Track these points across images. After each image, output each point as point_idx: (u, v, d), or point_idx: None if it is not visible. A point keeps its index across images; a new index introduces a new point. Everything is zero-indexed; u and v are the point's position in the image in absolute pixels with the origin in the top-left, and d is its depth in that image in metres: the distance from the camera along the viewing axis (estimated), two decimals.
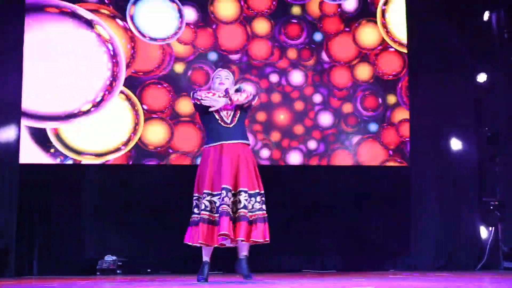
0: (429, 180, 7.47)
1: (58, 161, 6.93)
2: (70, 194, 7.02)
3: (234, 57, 7.39)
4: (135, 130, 7.09)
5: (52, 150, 6.92)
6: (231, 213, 4.83)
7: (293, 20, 7.52)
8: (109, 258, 6.75)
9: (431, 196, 7.43)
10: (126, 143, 7.06)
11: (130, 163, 7.08)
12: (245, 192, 4.90)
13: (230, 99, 4.98)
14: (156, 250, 7.02)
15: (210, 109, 4.98)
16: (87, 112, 7.01)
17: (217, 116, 5.03)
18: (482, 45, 7.66)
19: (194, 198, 5.03)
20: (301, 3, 7.53)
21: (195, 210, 5.00)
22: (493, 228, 7.42)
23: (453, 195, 7.46)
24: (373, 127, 7.46)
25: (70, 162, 6.94)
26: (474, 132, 7.60)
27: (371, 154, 7.45)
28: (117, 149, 7.04)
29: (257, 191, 4.97)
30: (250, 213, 4.90)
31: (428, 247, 7.34)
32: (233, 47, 7.40)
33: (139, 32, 7.19)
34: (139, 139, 7.08)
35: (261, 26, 7.45)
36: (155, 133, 7.15)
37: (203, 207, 4.90)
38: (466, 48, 7.63)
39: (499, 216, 7.36)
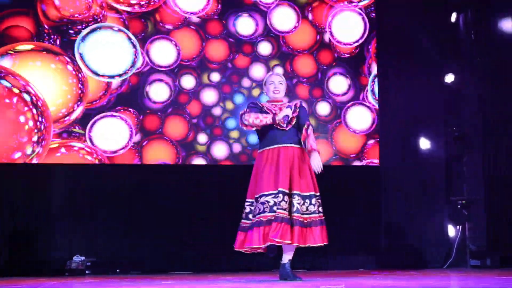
0: (398, 179, 7.53)
1: (34, 161, 6.83)
2: (38, 194, 6.92)
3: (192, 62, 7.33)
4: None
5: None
6: (288, 218, 4.85)
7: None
8: (77, 258, 6.68)
9: (400, 195, 7.50)
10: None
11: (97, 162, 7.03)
12: (298, 195, 4.93)
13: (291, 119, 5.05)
14: (125, 250, 6.97)
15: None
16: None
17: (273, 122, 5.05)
18: (450, 46, 7.74)
19: (247, 203, 5.05)
20: None
21: (250, 216, 5.00)
22: (461, 226, 7.51)
23: (422, 194, 7.54)
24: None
25: (35, 161, 6.85)
26: (442, 132, 7.69)
27: (348, 140, 7.50)
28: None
29: (312, 193, 4.99)
30: (305, 216, 4.92)
31: (397, 245, 7.40)
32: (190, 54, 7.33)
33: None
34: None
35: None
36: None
37: (257, 211, 4.89)
38: (434, 48, 7.71)
39: (466, 215, 7.44)
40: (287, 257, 5.05)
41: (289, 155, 5.02)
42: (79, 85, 6.95)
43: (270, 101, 5.23)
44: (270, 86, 5.18)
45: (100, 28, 7.07)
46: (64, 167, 6.94)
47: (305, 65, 7.52)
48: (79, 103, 6.95)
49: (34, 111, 6.80)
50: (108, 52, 7.07)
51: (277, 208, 4.85)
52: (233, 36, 7.38)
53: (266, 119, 5.03)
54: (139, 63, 7.06)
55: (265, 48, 7.44)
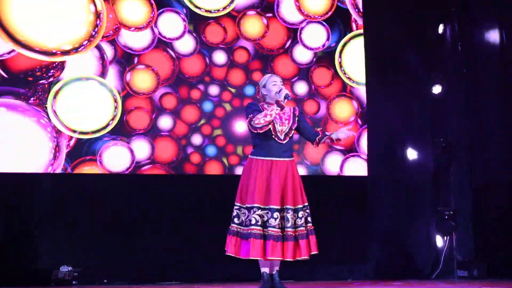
0: (386, 190, 7.54)
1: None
2: (23, 203, 6.87)
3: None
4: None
5: None
6: (278, 235, 4.86)
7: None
8: (64, 268, 6.63)
9: (388, 205, 7.51)
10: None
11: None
12: (290, 209, 4.93)
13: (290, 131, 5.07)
14: (113, 260, 6.92)
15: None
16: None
17: (272, 132, 5.02)
18: (437, 57, 7.80)
19: (236, 207, 5.02)
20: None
21: (235, 220, 4.99)
22: (448, 237, 7.53)
23: (409, 205, 7.55)
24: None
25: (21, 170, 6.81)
26: (429, 142, 7.72)
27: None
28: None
29: (300, 206, 4.99)
30: (296, 230, 4.93)
31: (384, 256, 7.41)
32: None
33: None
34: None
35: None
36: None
37: (253, 221, 4.88)
38: (421, 60, 7.76)
39: (454, 225, 7.47)
40: (275, 268, 5.05)
41: (282, 170, 4.99)
42: None
43: (269, 103, 5.12)
44: (273, 87, 5.09)
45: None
46: (50, 176, 6.89)
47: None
48: None
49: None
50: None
51: (269, 226, 4.86)
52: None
53: (273, 111, 4.96)
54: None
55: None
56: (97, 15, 7.07)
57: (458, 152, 7.62)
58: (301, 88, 7.53)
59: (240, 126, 7.34)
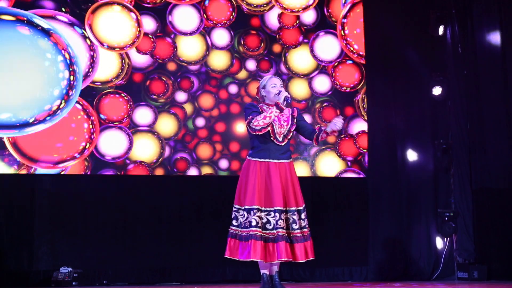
0: (386, 191, 7.54)
1: (12, 170, 6.79)
2: (23, 204, 6.86)
3: (193, 67, 7.37)
4: (91, 140, 7.01)
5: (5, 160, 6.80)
6: (287, 236, 4.86)
7: (252, 31, 7.55)
8: (64, 269, 6.63)
9: (388, 207, 7.50)
10: (81, 152, 6.96)
11: (88, 173, 6.99)
12: (295, 210, 4.92)
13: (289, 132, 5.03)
14: (113, 261, 6.92)
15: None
16: (43, 121, 6.89)
17: (271, 134, 5.00)
18: (437, 59, 7.80)
19: (234, 209, 5.01)
20: (260, 15, 7.57)
21: (234, 223, 4.97)
22: (448, 238, 7.53)
23: (410, 206, 7.55)
24: (331, 138, 7.52)
25: (24, 171, 6.81)
26: (430, 144, 7.72)
27: (329, 165, 7.51)
28: (72, 158, 6.95)
29: (301, 207, 4.97)
30: (304, 230, 4.93)
31: (384, 257, 7.40)
32: (193, 58, 7.38)
33: (98, 40, 7.11)
34: (96, 149, 6.99)
35: (221, 37, 7.46)
36: (113, 143, 7.08)
37: (254, 223, 4.87)
38: (422, 61, 7.76)
39: (454, 227, 7.47)
40: (274, 269, 5.05)
41: (281, 171, 4.98)
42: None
43: (269, 104, 5.10)
44: (272, 89, 5.06)
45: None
46: (50, 177, 6.89)
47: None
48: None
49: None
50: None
51: (276, 227, 4.85)
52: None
53: (272, 113, 4.95)
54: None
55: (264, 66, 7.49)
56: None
57: (458, 154, 7.61)
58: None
59: (240, 127, 7.37)
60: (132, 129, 7.13)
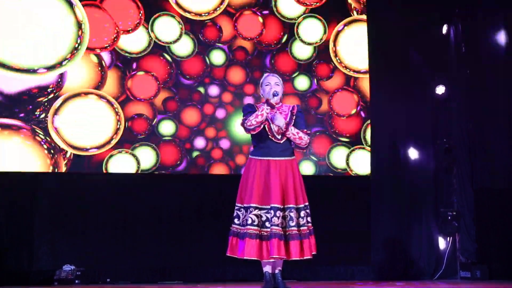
0: (389, 190, 7.53)
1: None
2: (25, 202, 6.86)
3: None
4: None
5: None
6: (281, 234, 4.84)
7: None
8: (67, 267, 6.64)
9: (390, 206, 7.49)
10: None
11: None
12: (293, 208, 4.91)
13: (286, 128, 4.97)
14: (115, 259, 6.93)
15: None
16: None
17: (268, 132, 5.00)
18: (440, 58, 7.79)
19: (236, 208, 5.01)
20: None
21: (236, 221, 4.98)
22: (451, 238, 7.53)
23: (412, 205, 7.53)
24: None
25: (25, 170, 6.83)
26: (432, 142, 7.71)
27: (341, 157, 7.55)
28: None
29: (301, 205, 4.96)
30: (299, 228, 4.90)
31: (387, 256, 7.40)
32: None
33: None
34: None
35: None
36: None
37: (250, 221, 4.88)
38: (425, 61, 7.74)
39: (457, 226, 7.46)
40: (277, 267, 5.05)
41: (281, 169, 4.97)
42: None
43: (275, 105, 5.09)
44: (266, 87, 5.07)
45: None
46: (53, 175, 6.90)
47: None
48: None
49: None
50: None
51: (271, 225, 4.84)
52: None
53: (263, 111, 4.93)
54: None
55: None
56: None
57: (459, 154, 7.60)
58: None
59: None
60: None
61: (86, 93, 6.99)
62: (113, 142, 7.02)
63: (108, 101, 7.04)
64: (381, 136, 7.58)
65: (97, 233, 6.92)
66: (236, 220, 4.99)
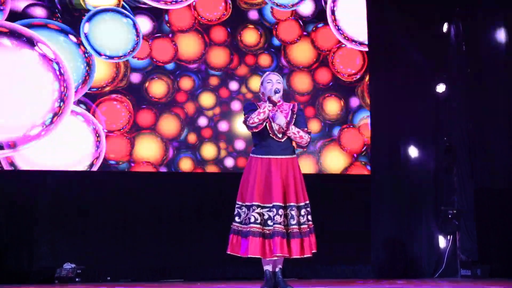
0: (389, 189, 7.53)
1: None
2: (25, 201, 6.86)
3: (192, 66, 7.35)
4: (97, 149, 6.99)
5: None
6: (284, 232, 4.84)
7: (249, 26, 7.52)
8: (67, 266, 6.65)
9: (390, 205, 7.49)
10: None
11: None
12: (294, 206, 4.90)
13: (287, 127, 4.96)
14: (116, 258, 6.93)
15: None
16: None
17: (269, 130, 4.99)
18: (441, 57, 7.78)
19: (237, 206, 5.00)
20: (256, 9, 7.54)
21: (236, 219, 4.97)
22: (451, 236, 7.53)
23: (412, 204, 7.54)
24: (336, 131, 7.54)
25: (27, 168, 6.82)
26: (432, 142, 7.71)
27: (335, 159, 7.52)
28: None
29: (302, 203, 4.95)
30: (300, 226, 4.90)
31: (387, 255, 7.40)
32: (191, 56, 7.36)
33: (95, 51, 7.00)
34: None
35: (218, 33, 7.44)
36: (116, 148, 7.07)
37: (252, 220, 4.87)
38: (425, 59, 7.73)
39: (457, 224, 7.47)
40: (278, 265, 5.05)
41: (282, 167, 4.97)
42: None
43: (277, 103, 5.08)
44: (267, 85, 5.05)
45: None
46: (53, 174, 6.90)
47: (302, 83, 7.57)
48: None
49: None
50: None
51: (274, 223, 4.83)
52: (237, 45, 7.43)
53: (265, 108, 4.93)
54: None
55: (265, 60, 7.47)
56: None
57: (459, 153, 7.60)
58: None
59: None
60: (134, 132, 7.12)
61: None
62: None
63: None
64: (381, 135, 7.58)
65: (97, 233, 6.92)
66: (237, 218, 4.98)
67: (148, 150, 7.12)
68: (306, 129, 5.07)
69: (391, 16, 7.73)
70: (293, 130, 5.00)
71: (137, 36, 7.15)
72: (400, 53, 7.71)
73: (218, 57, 7.39)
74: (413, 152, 7.67)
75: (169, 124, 7.20)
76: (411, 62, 7.73)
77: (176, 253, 7.01)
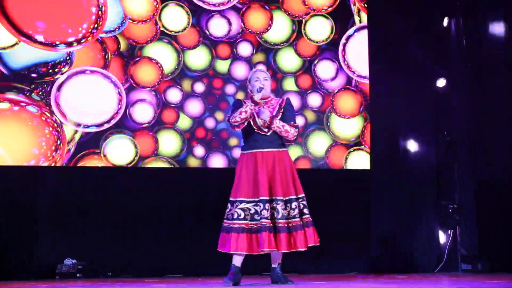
0: (389, 184, 7.53)
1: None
2: (27, 197, 6.86)
3: None
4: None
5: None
6: (271, 226, 4.83)
7: None
8: (68, 261, 6.65)
9: (390, 200, 7.50)
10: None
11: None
12: (281, 200, 4.89)
13: (270, 122, 4.96)
14: (117, 253, 6.93)
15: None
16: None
17: (254, 126, 5.01)
18: (441, 51, 7.77)
19: (229, 202, 5.02)
20: None
21: (228, 216, 4.98)
22: (452, 231, 7.53)
23: (413, 199, 7.54)
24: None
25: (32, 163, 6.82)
26: (433, 137, 7.70)
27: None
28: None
29: (293, 197, 4.93)
30: (289, 220, 4.88)
31: (388, 250, 7.41)
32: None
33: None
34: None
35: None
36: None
37: (236, 216, 4.89)
38: (425, 53, 7.72)
39: (458, 219, 7.47)
40: (276, 261, 5.05)
41: (268, 161, 4.96)
42: None
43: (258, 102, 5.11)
44: (255, 83, 5.08)
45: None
46: (53, 169, 6.90)
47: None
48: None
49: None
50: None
51: (260, 218, 4.83)
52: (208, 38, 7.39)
53: (248, 107, 4.96)
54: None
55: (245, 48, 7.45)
56: (100, 7, 7.06)
57: (461, 147, 7.59)
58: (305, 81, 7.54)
59: None
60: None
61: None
62: (113, 122, 7.01)
63: (112, 81, 7.05)
64: (381, 129, 7.57)
65: (97, 233, 6.92)
66: (227, 216, 5.00)
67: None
68: (293, 123, 5.06)
69: (392, 10, 7.71)
70: (278, 124, 5.00)
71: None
72: (401, 48, 7.70)
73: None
74: (413, 146, 7.66)
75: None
76: (411, 57, 7.72)
77: (176, 254, 7.01)
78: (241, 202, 4.92)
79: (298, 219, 4.92)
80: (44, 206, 6.91)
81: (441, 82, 7.72)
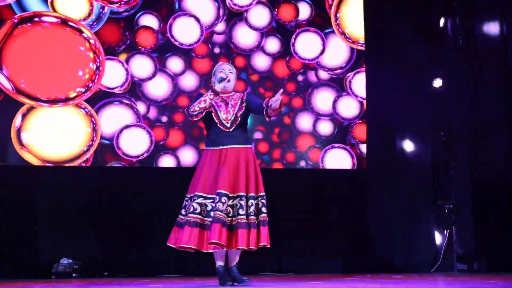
0: (386, 184, 7.53)
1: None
2: (23, 196, 6.86)
3: None
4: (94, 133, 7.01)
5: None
6: (225, 220, 4.76)
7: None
8: (64, 261, 6.64)
9: (387, 200, 7.50)
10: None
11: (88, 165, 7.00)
12: (243, 196, 4.85)
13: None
14: (113, 253, 6.93)
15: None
16: None
17: (216, 120, 4.97)
18: (438, 51, 7.77)
19: (185, 199, 4.98)
20: None
21: (182, 211, 4.95)
22: (448, 231, 7.53)
23: (409, 198, 7.53)
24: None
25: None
26: (430, 136, 7.71)
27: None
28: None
29: (252, 194, 4.88)
30: (249, 217, 4.83)
31: (384, 249, 7.41)
32: None
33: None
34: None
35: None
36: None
37: (191, 209, 4.83)
38: (423, 53, 7.72)
39: (454, 219, 7.47)
40: (233, 261, 5.02)
41: (232, 157, 4.91)
42: None
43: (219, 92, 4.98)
44: (219, 73, 4.99)
45: None
46: (50, 169, 6.90)
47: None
48: None
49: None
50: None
51: (216, 210, 4.75)
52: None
53: (207, 96, 4.88)
54: None
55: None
56: None
57: (458, 147, 7.60)
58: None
59: None
60: None
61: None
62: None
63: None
64: (377, 128, 7.57)
65: (96, 232, 6.92)
66: (182, 211, 4.97)
67: None
68: (266, 100, 4.92)
69: (388, 10, 7.71)
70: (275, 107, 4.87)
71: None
72: (397, 47, 7.69)
73: None
74: (410, 145, 7.66)
75: None
76: (408, 56, 7.71)
77: (176, 253, 6.99)
78: (198, 197, 4.85)
79: (254, 217, 4.87)
80: (44, 206, 6.91)
81: (437, 82, 7.72)
